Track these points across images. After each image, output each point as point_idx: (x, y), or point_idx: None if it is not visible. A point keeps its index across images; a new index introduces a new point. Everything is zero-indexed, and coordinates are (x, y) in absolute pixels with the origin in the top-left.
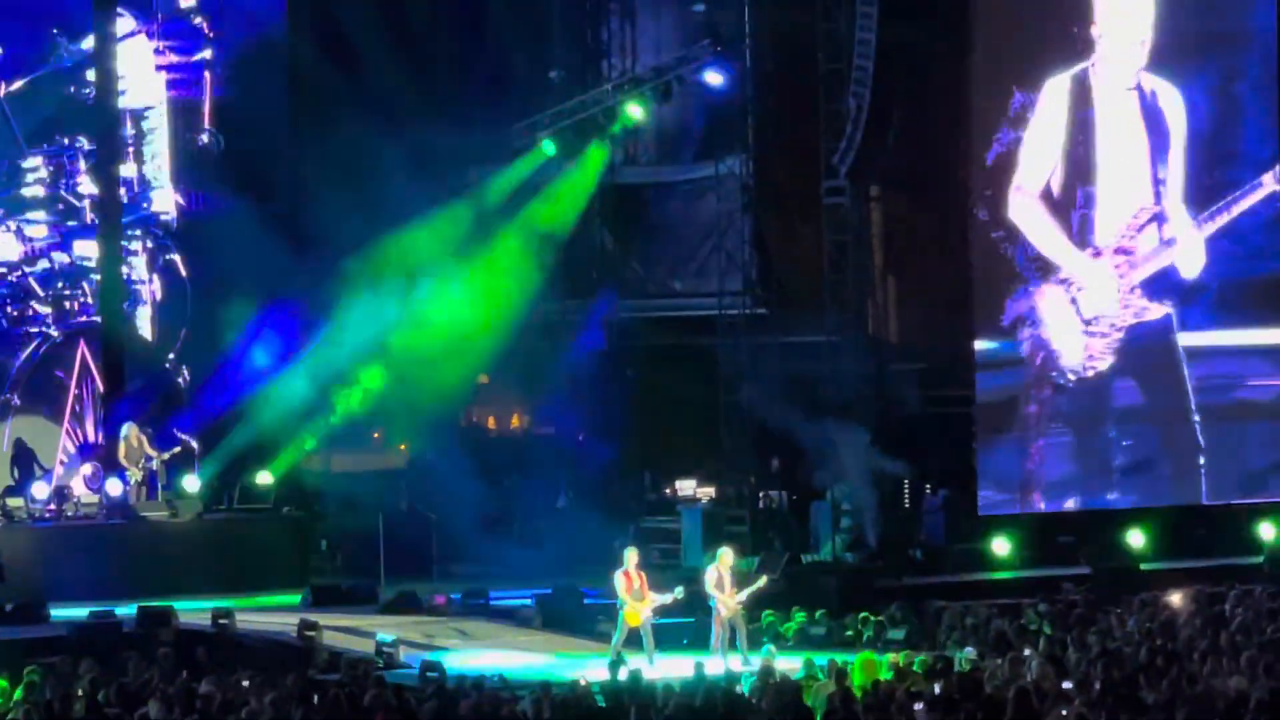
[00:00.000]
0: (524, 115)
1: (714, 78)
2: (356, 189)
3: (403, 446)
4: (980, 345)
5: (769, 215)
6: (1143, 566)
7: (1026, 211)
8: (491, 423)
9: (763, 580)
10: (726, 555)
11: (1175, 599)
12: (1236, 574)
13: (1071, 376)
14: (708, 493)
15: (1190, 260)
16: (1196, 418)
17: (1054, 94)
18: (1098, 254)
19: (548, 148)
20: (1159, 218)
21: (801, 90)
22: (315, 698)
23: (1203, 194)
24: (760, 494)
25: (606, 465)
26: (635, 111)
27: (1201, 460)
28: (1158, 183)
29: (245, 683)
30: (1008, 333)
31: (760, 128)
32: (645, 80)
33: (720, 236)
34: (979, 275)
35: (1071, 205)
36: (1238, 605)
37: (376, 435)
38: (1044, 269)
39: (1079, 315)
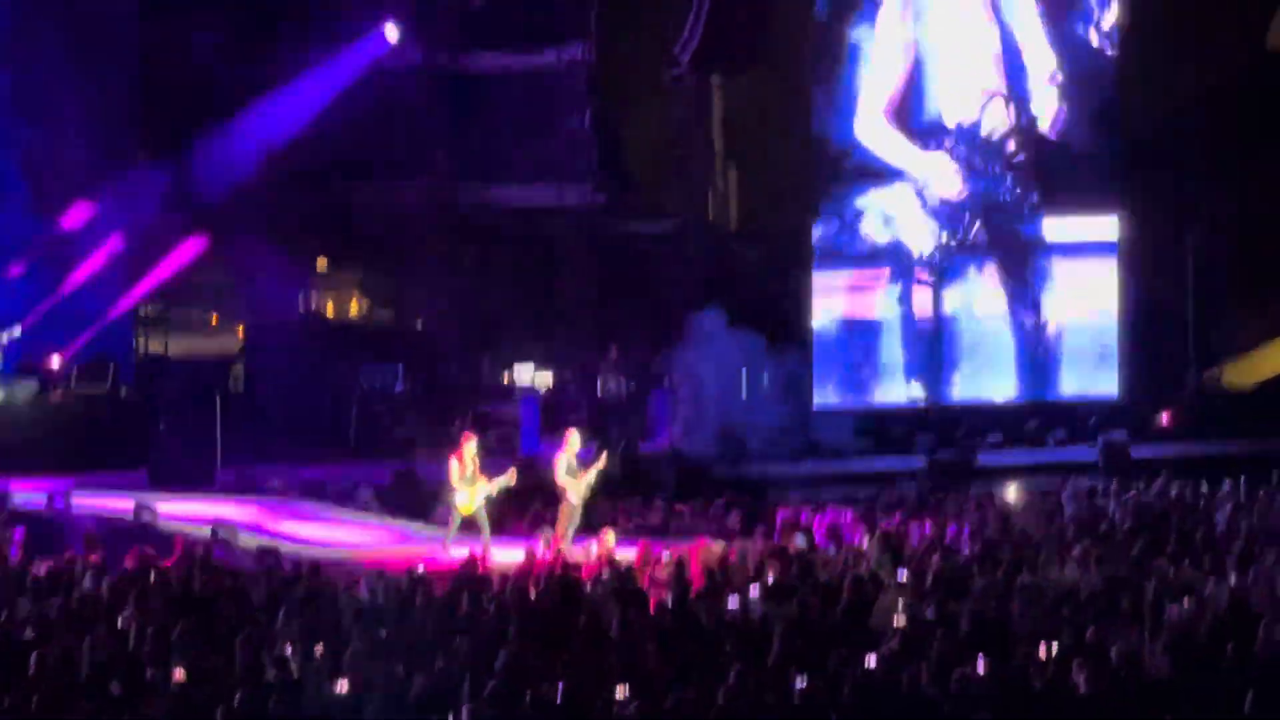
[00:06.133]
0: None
1: None
2: None
3: (239, 331)
4: (819, 234)
5: (611, 102)
6: (978, 459)
7: (872, 129)
8: (330, 308)
9: (602, 459)
10: (573, 439)
11: (1010, 492)
12: (1071, 468)
13: (925, 266)
14: (546, 379)
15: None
16: (1050, 310)
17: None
18: (944, 145)
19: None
20: (1009, 96)
21: None
22: (151, 579)
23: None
24: (598, 380)
25: (445, 350)
26: None
27: (1055, 351)
28: (1007, 56)
29: (79, 565)
30: (849, 223)
31: (603, 13)
32: None
33: (562, 122)
34: (816, 167)
35: (918, 102)
36: (1071, 499)
37: (214, 320)
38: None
39: (923, 207)
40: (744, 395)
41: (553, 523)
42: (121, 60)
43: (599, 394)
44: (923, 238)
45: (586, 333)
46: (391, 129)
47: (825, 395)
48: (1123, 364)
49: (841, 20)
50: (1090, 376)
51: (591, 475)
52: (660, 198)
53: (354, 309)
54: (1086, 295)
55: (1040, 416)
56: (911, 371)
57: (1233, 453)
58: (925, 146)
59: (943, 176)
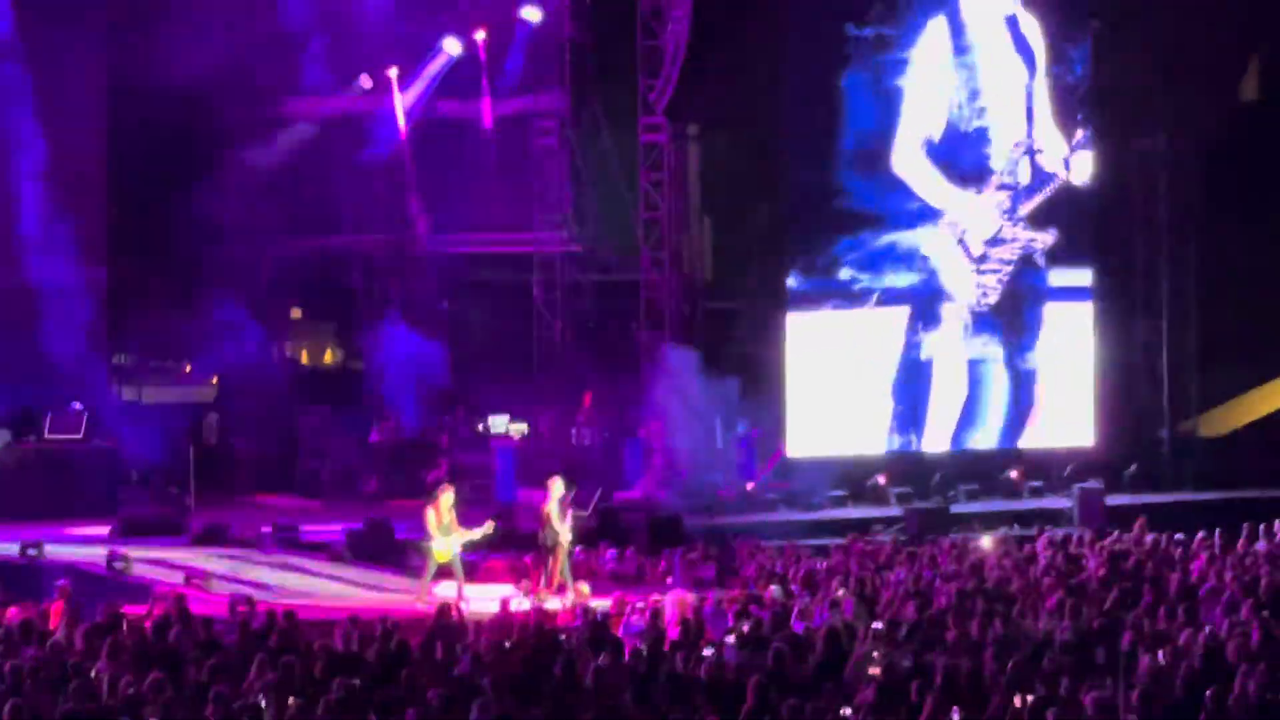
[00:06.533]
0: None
1: (532, 13)
2: None
3: (214, 379)
4: (794, 282)
5: (586, 151)
6: (953, 509)
7: (910, 163)
8: (304, 357)
9: (570, 514)
10: (556, 485)
11: (985, 541)
12: (1046, 518)
13: (964, 312)
14: (520, 428)
15: (1080, 169)
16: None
17: (933, 36)
18: (980, 191)
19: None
20: (1031, 150)
21: (621, 26)
22: (123, 629)
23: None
24: (572, 430)
25: (419, 399)
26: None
27: (1036, 401)
28: (1030, 112)
29: (53, 614)
30: (823, 271)
31: (578, 64)
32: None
33: (537, 171)
34: (792, 215)
35: (956, 147)
36: (1046, 548)
37: (188, 368)
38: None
39: (967, 254)
40: (719, 445)
41: (530, 571)
42: (92, 111)
43: (573, 443)
44: (915, 283)
45: (561, 382)
46: (366, 177)
47: (800, 444)
48: (1098, 414)
49: (822, 67)
50: (1066, 426)
51: (570, 519)
52: (635, 246)
53: (328, 358)
54: (1064, 346)
55: (1016, 465)
56: (889, 420)
57: (1207, 502)
58: (963, 187)
59: (977, 218)
